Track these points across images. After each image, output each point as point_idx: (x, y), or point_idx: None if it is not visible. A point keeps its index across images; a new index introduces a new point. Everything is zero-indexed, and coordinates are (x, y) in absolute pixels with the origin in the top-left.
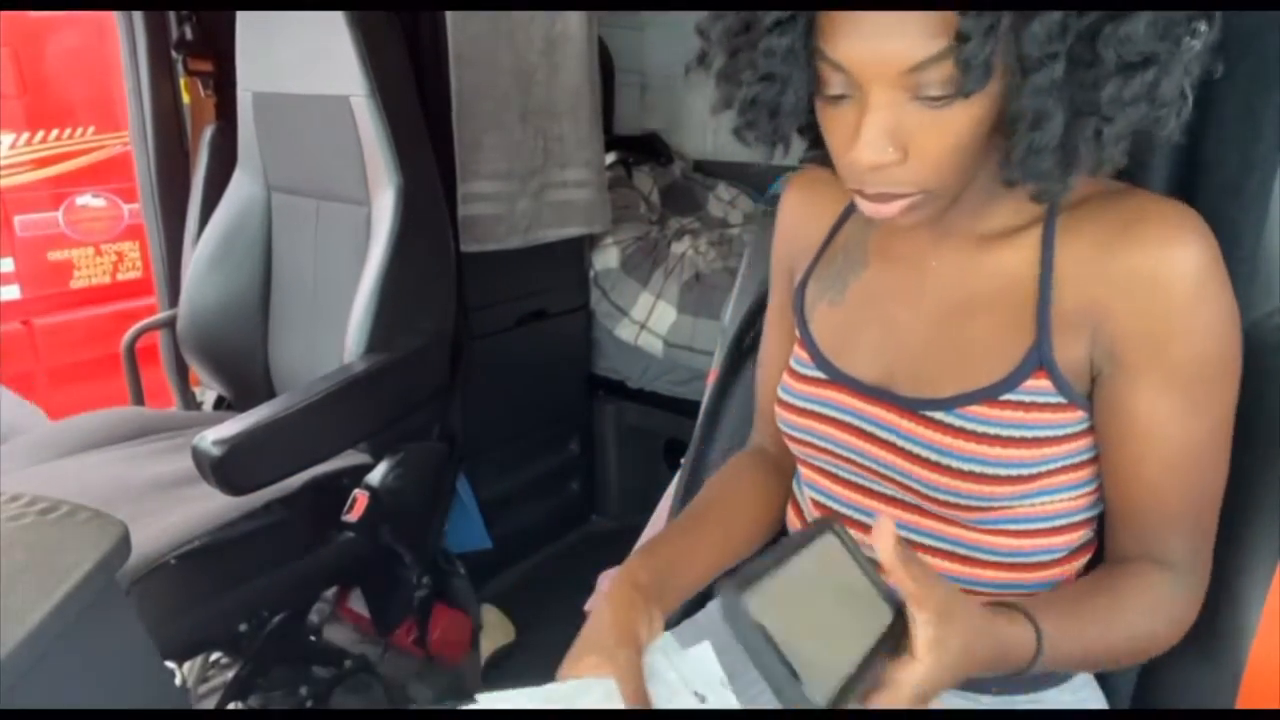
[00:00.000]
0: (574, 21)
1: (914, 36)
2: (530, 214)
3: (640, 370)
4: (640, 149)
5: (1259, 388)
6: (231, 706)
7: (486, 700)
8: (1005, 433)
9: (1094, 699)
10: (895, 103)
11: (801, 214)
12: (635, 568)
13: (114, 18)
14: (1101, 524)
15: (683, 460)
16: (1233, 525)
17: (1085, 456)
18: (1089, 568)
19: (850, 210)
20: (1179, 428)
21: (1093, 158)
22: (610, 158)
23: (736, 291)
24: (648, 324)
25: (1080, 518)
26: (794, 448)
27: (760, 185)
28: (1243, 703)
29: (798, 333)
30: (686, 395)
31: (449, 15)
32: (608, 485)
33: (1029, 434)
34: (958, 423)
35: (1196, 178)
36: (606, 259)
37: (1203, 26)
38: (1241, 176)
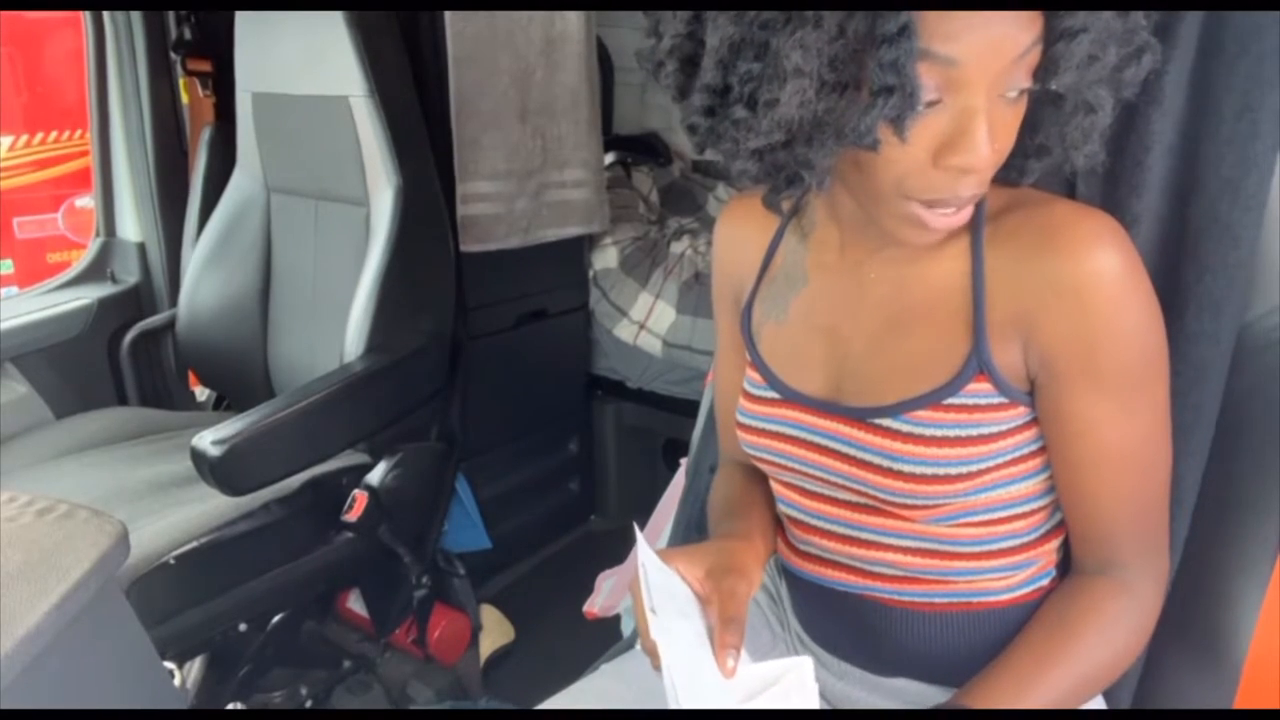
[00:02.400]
0: (573, 21)
1: (1019, 23)
2: (529, 214)
3: (639, 370)
4: (639, 149)
5: (1255, 386)
6: (231, 706)
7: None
8: (951, 433)
9: (1094, 699)
10: (991, 100)
11: (737, 242)
12: (741, 541)
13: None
14: None
15: (682, 461)
16: (1229, 525)
17: (1035, 446)
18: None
19: (784, 230)
20: (1115, 430)
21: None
22: (609, 158)
23: None
24: (647, 324)
25: (1041, 503)
26: (759, 466)
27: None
28: (1241, 702)
29: (748, 356)
30: (685, 395)
31: (448, 15)
32: (607, 485)
33: (974, 432)
34: (905, 428)
35: (1194, 177)
36: (606, 259)
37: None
38: (1239, 176)
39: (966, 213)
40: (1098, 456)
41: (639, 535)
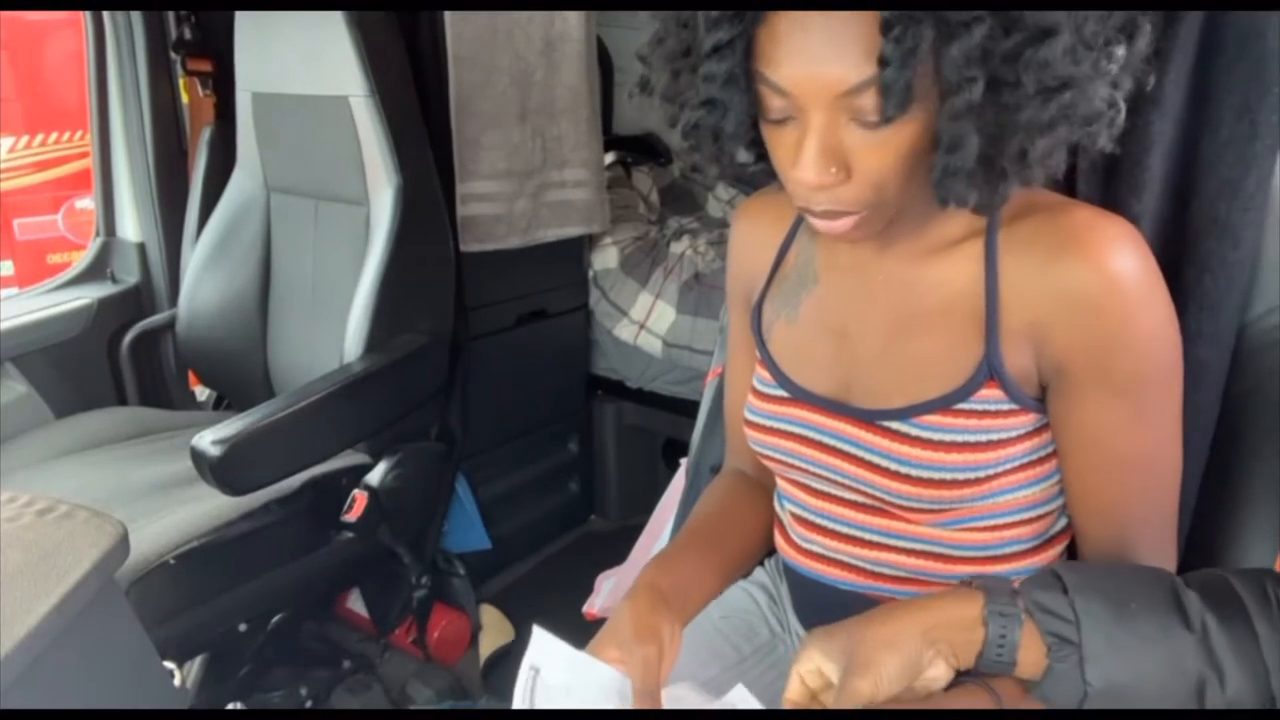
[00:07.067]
0: (573, 21)
1: (848, 60)
2: (529, 214)
3: (639, 370)
4: (639, 149)
5: (1255, 386)
6: (231, 706)
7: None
8: (960, 438)
9: None
10: (834, 124)
11: (751, 240)
12: (657, 575)
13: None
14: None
15: (683, 461)
16: (1229, 524)
17: (1042, 453)
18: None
19: (797, 229)
20: (1129, 435)
21: (1020, 175)
22: (609, 158)
23: None
24: (647, 324)
25: (1046, 509)
26: (766, 463)
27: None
28: None
29: (758, 353)
30: (685, 395)
31: (448, 15)
32: (607, 485)
33: (983, 438)
34: (914, 431)
35: (1194, 177)
36: (605, 259)
37: (1120, 50)
38: (1239, 176)
39: (845, 223)
40: (1111, 462)
41: (537, 634)
